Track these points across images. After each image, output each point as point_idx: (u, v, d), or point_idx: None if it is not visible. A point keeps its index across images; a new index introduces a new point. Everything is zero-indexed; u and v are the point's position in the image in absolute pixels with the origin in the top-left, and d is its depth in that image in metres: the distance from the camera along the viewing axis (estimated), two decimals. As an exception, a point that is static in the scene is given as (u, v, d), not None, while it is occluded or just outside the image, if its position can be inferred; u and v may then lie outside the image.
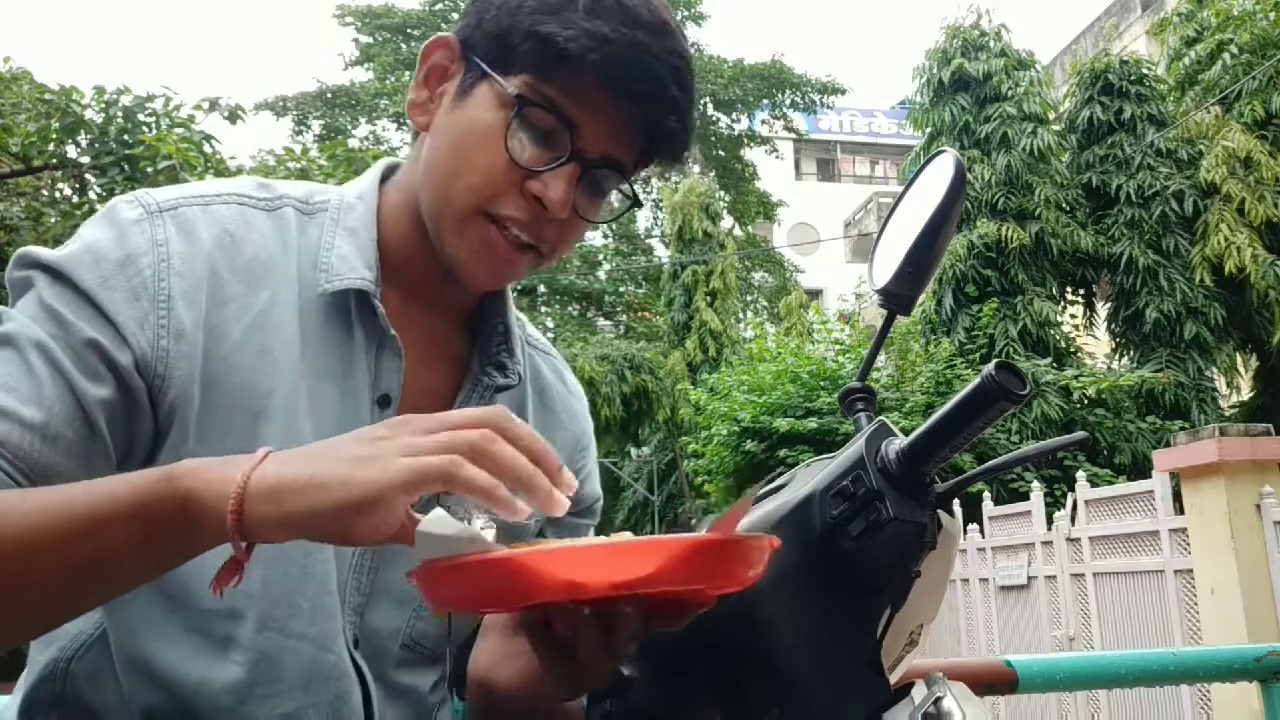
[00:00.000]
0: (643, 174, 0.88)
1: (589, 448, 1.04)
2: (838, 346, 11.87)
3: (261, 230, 0.83)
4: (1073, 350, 11.55)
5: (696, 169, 22.69)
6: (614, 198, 0.91)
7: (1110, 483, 7.96)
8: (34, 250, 0.78)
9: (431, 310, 0.90)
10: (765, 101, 22.42)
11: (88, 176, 7.59)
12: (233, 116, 7.97)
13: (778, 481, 0.80)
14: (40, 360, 0.72)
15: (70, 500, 0.60)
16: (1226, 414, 11.35)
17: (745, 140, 22.85)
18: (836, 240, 27.84)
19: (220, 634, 0.77)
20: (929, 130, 12.25)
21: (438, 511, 0.58)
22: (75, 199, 7.74)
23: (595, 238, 22.71)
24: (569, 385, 1.04)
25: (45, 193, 7.92)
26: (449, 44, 0.85)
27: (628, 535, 0.58)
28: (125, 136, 7.30)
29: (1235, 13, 11.70)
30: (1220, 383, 11.40)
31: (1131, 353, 11.54)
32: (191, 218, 0.81)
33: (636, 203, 0.88)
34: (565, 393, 1.03)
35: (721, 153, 22.53)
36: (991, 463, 0.73)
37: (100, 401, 0.73)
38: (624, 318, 22.16)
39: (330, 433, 0.80)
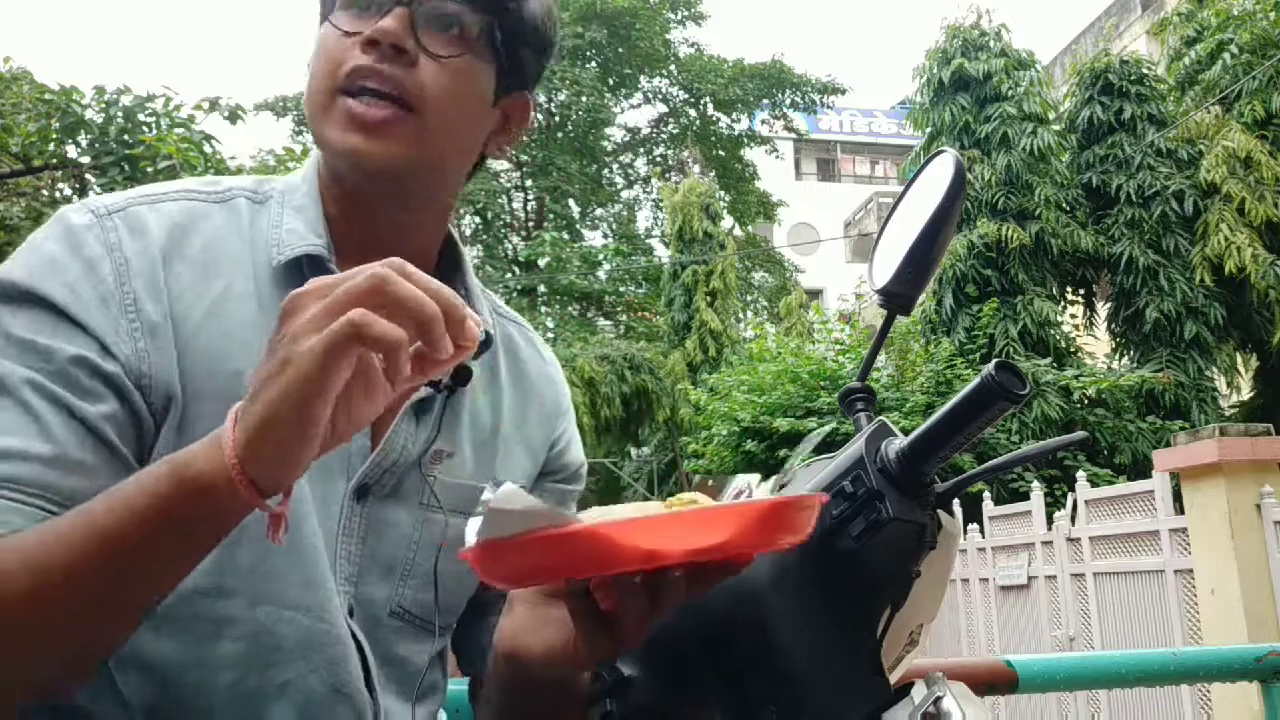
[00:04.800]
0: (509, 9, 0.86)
1: (567, 413, 1.05)
2: (838, 346, 11.87)
3: (214, 222, 0.84)
4: (1073, 350, 11.54)
5: (697, 169, 22.70)
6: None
7: (1110, 483, 7.95)
8: None
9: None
10: (765, 101, 22.42)
11: (88, 176, 7.58)
12: (233, 116, 7.97)
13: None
14: (34, 396, 0.71)
15: (94, 526, 0.62)
16: (1226, 414, 11.35)
17: (745, 140, 22.84)
18: (836, 240, 27.84)
19: (213, 615, 0.77)
20: (929, 130, 12.25)
21: (508, 486, 0.58)
22: (75, 199, 7.74)
23: (595, 238, 22.72)
24: (543, 354, 1.05)
25: (45, 193, 7.93)
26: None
27: (656, 505, 0.60)
28: (125, 136, 7.31)
29: (1235, 13, 11.70)
30: (1220, 383, 11.39)
31: (1131, 353, 11.54)
32: (141, 215, 0.81)
33: (483, 36, 0.85)
34: (540, 360, 1.04)
35: (721, 153, 22.53)
36: (991, 463, 0.73)
37: (105, 417, 0.73)
38: (624, 318, 22.15)
39: None
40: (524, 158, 21.32)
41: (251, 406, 0.58)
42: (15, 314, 0.74)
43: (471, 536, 0.58)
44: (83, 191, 7.75)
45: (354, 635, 0.83)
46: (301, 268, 0.83)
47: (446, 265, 0.95)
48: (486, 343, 0.90)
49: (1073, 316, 12.25)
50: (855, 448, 0.73)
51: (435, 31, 0.83)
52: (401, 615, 0.88)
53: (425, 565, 0.88)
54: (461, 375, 0.87)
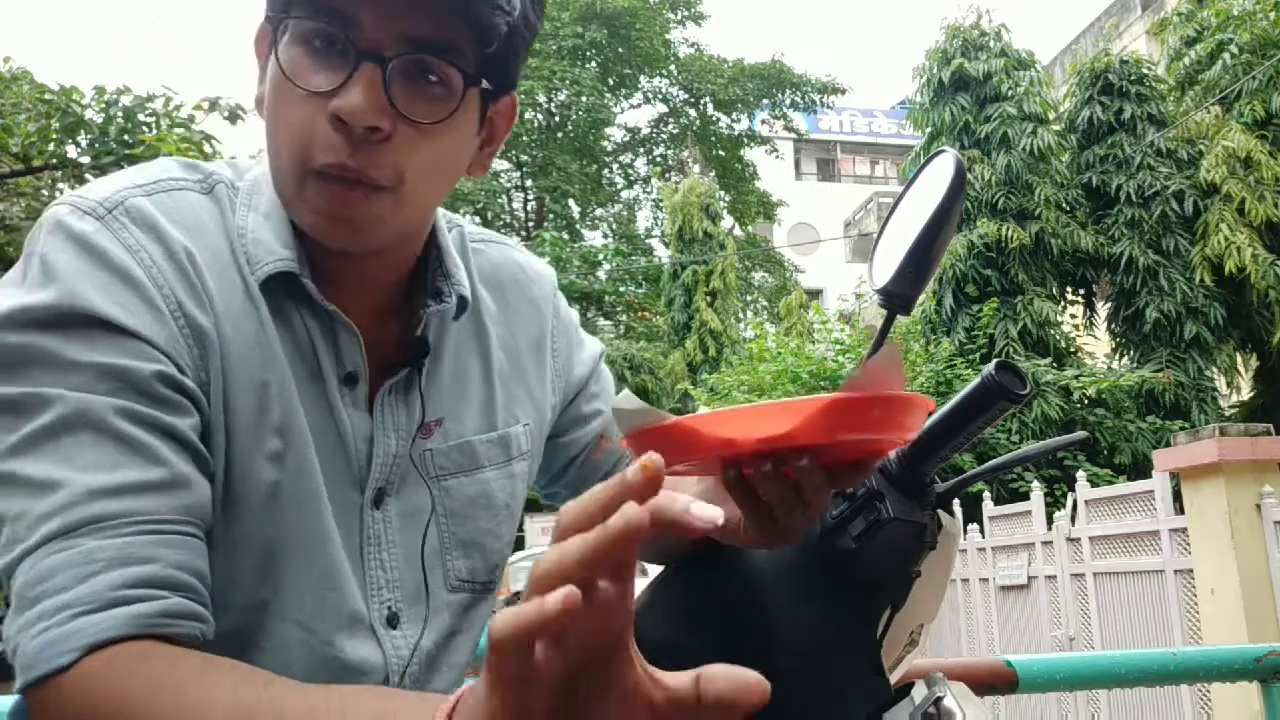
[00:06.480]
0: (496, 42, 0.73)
1: (564, 329, 1.01)
2: (838, 346, 11.87)
3: (209, 213, 0.78)
4: (1073, 350, 11.54)
5: (697, 169, 22.71)
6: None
7: (1110, 483, 7.96)
8: (14, 305, 0.68)
9: (371, 272, 0.83)
10: (765, 101, 22.44)
11: (88, 176, 7.58)
12: (233, 116, 7.96)
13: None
14: (128, 424, 0.67)
15: None
16: (1226, 414, 11.35)
17: (745, 140, 22.86)
18: (836, 240, 27.83)
19: (253, 625, 0.76)
20: (929, 130, 12.25)
21: (624, 392, 0.63)
22: (75, 199, 7.72)
23: (595, 238, 22.71)
24: (527, 270, 0.98)
25: (45, 193, 7.92)
26: (264, 26, 0.77)
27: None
28: (125, 136, 7.32)
29: (1235, 13, 11.70)
30: (1220, 383, 11.40)
31: (1131, 353, 11.54)
32: (145, 210, 0.74)
33: (474, 80, 0.73)
34: (525, 279, 0.97)
35: (721, 153, 22.54)
36: (991, 463, 0.73)
37: (193, 429, 0.71)
38: (624, 318, 22.15)
39: (316, 421, 0.78)
40: (524, 158, 21.32)
41: None
42: (68, 338, 0.67)
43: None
44: (83, 191, 7.75)
45: (382, 649, 0.80)
46: (280, 285, 0.78)
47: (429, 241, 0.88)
48: (463, 305, 0.86)
49: (1073, 316, 12.25)
50: (855, 448, 0.74)
51: (415, 88, 0.72)
52: (459, 587, 0.86)
53: (462, 532, 0.86)
54: (420, 349, 0.83)
